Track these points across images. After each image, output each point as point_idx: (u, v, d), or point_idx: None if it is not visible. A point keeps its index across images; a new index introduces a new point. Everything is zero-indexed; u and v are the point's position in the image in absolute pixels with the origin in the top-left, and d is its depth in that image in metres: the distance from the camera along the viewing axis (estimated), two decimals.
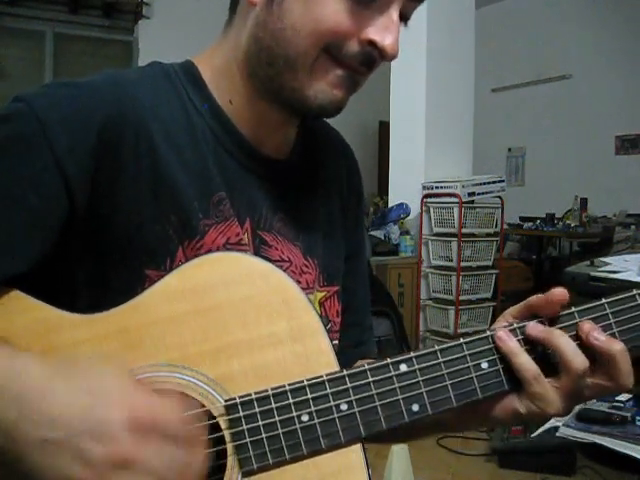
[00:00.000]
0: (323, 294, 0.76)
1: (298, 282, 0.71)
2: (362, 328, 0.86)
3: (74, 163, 0.59)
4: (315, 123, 0.81)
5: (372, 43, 0.62)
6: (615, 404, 2.61)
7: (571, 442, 2.55)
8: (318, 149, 0.80)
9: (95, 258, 0.62)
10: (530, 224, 5.98)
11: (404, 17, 0.66)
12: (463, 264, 4.05)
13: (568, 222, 5.83)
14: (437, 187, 4.25)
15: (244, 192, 0.70)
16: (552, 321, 0.63)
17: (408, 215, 4.45)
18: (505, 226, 5.09)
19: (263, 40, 0.64)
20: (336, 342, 0.77)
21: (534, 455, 2.64)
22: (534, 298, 0.63)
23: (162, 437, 0.48)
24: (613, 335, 0.62)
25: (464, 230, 4.05)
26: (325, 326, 0.61)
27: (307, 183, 0.77)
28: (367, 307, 0.88)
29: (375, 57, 0.64)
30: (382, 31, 0.62)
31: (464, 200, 4.03)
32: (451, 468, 2.73)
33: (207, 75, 0.70)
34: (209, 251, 0.65)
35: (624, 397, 2.64)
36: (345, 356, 0.80)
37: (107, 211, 0.62)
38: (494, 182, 4.32)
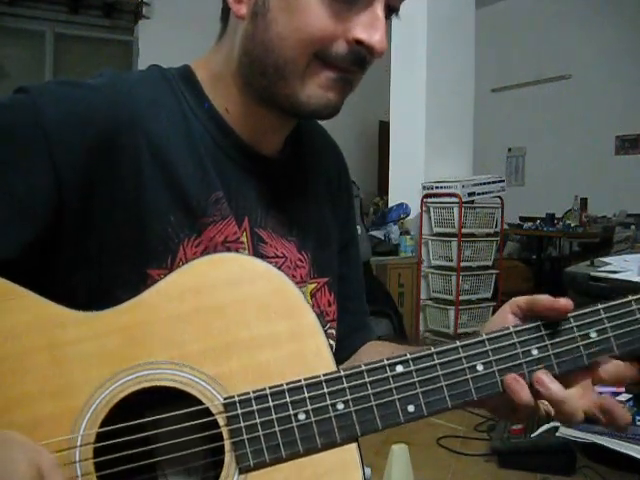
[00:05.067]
0: (314, 285, 0.78)
1: (293, 277, 0.72)
2: (360, 314, 0.89)
3: (67, 159, 0.60)
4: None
5: (359, 42, 0.63)
6: None
7: (571, 442, 2.55)
8: (306, 144, 0.81)
9: (96, 259, 0.63)
10: (530, 224, 5.99)
11: (393, 9, 0.66)
12: (463, 264, 4.06)
13: (568, 222, 5.83)
14: (437, 187, 4.26)
15: (241, 192, 0.71)
16: (547, 326, 0.63)
17: (408, 215, 4.46)
18: (505, 226, 5.09)
19: (253, 51, 0.65)
20: (333, 330, 0.79)
21: (534, 455, 2.64)
22: (543, 300, 0.63)
23: None
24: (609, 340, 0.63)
25: (464, 230, 4.06)
26: (323, 327, 0.62)
27: (298, 178, 0.78)
28: (363, 293, 0.90)
29: (364, 55, 0.64)
30: (368, 29, 0.63)
31: (464, 200, 4.04)
32: (451, 468, 2.73)
33: (205, 82, 0.71)
34: (207, 248, 0.66)
35: (624, 397, 2.64)
36: (347, 342, 0.82)
37: (107, 212, 0.63)
38: (494, 182, 4.33)
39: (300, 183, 0.78)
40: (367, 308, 0.91)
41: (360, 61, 0.65)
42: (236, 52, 0.68)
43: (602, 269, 2.44)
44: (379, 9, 0.63)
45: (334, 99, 0.66)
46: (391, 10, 0.66)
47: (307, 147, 0.81)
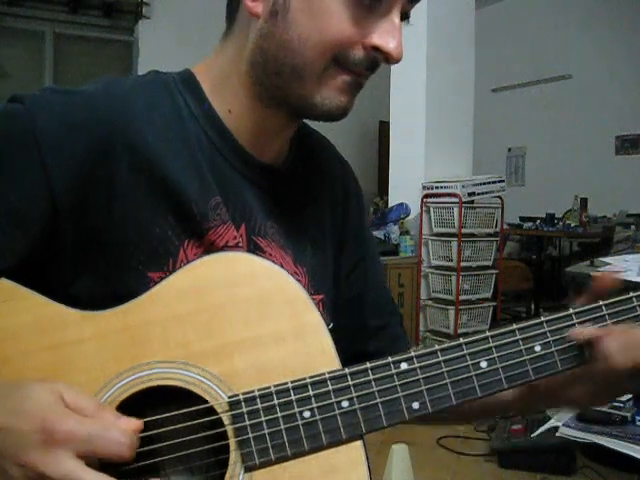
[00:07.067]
0: None
1: None
2: (391, 326, 0.86)
3: (61, 167, 0.60)
4: (310, 135, 0.82)
5: (377, 48, 0.64)
6: (615, 404, 2.60)
7: (571, 442, 2.55)
8: (312, 160, 0.81)
9: (95, 264, 0.63)
10: (530, 224, 5.98)
11: (404, 16, 0.67)
12: (463, 264, 4.05)
13: (568, 222, 5.82)
14: (437, 187, 4.26)
15: (239, 198, 0.70)
16: (550, 323, 0.64)
17: (408, 215, 4.45)
18: (505, 226, 5.09)
19: (269, 51, 0.65)
20: None
21: (534, 455, 2.64)
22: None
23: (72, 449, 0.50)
24: None
25: (464, 230, 4.05)
26: (327, 325, 0.62)
27: (299, 192, 0.78)
28: (390, 304, 0.88)
29: (379, 61, 0.66)
30: (386, 36, 0.64)
31: (464, 200, 4.04)
32: (451, 468, 2.73)
33: (206, 85, 0.71)
34: (208, 252, 0.66)
35: (624, 397, 2.64)
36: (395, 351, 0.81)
37: (105, 218, 0.62)
38: (494, 182, 4.32)
39: (301, 198, 0.78)
40: (398, 317, 0.89)
41: (375, 66, 0.66)
42: (248, 50, 0.68)
43: (602, 269, 2.44)
44: (396, 17, 0.65)
45: (346, 101, 0.67)
46: (403, 17, 0.67)
47: (314, 164, 0.81)
